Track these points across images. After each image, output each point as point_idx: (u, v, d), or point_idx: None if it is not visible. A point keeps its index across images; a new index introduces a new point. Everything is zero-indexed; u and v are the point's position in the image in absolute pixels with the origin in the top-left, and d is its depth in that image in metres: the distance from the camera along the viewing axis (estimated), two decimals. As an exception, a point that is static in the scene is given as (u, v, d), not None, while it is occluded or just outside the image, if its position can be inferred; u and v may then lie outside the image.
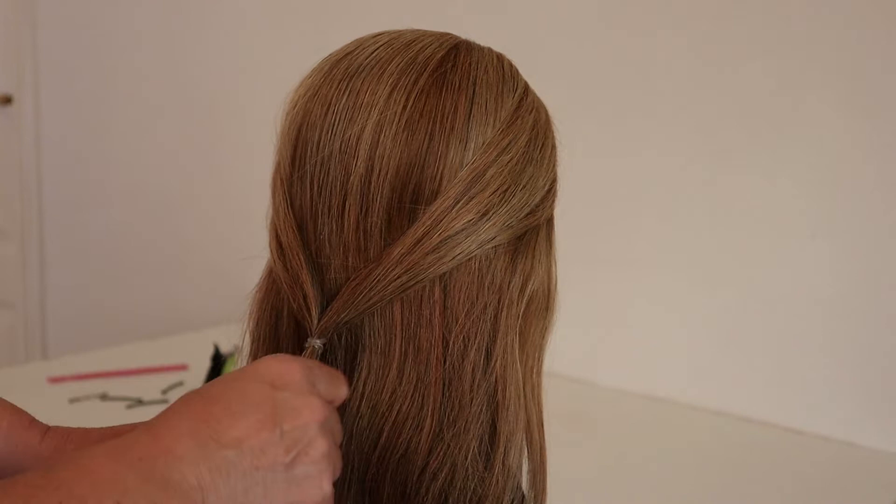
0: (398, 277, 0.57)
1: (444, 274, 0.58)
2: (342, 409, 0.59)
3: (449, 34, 0.63)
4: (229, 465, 0.47)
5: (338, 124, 0.59)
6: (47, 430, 0.61)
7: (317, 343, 0.58)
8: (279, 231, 0.61)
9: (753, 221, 1.64)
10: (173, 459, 0.45)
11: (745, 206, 1.65)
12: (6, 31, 2.77)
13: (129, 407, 1.62)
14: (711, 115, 1.67)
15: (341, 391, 0.55)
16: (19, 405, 0.64)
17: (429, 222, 0.57)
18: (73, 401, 1.62)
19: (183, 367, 1.81)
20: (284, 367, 0.51)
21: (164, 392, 1.68)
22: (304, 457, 0.49)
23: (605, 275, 1.79)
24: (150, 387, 1.70)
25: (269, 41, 2.28)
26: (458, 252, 0.58)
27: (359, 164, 0.58)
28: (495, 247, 0.59)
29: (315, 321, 0.59)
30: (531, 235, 0.62)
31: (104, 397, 1.64)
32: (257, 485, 0.47)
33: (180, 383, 1.72)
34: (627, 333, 1.79)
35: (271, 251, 0.62)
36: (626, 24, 1.75)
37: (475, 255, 0.59)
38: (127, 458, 0.45)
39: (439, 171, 0.58)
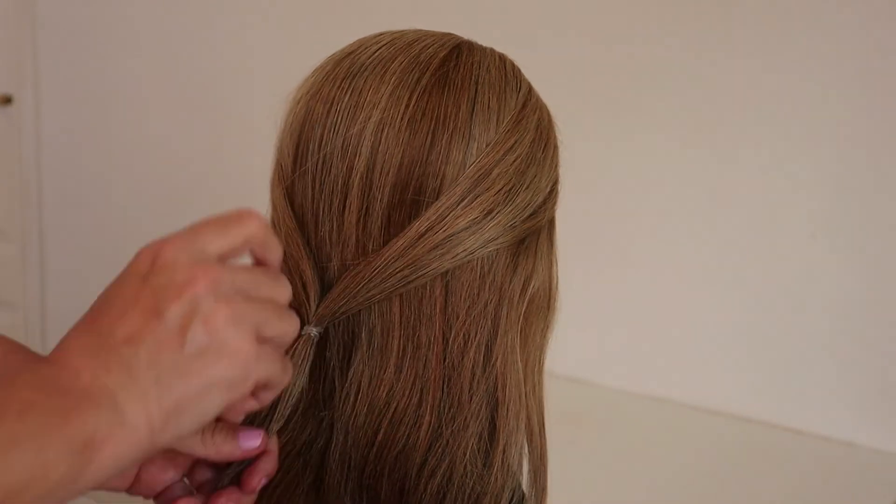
0: (399, 271, 0.57)
1: (447, 272, 0.58)
2: (335, 407, 0.59)
3: (451, 34, 0.64)
4: (129, 362, 0.46)
5: (340, 123, 0.59)
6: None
7: (313, 331, 0.58)
8: (277, 224, 0.61)
9: (754, 221, 1.64)
10: (72, 372, 0.45)
11: (746, 205, 1.65)
12: (6, 31, 2.76)
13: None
14: (712, 114, 1.67)
15: (243, 230, 0.50)
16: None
17: (433, 217, 0.57)
18: (73, 400, 1.62)
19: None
20: (155, 251, 0.48)
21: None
22: (204, 330, 0.47)
23: (606, 275, 1.79)
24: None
25: (271, 39, 2.28)
26: (461, 250, 0.58)
27: (360, 162, 0.58)
28: (497, 247, 0.59)
29: (313, 308, 0.59)
30: (533, 236, 0.62)
31: (104, 397, 1.64)
32: (167, 372, 0.46)
33: (180, 383, 1.72)
34: (628, 333, 1.79)
35: None
36: (625, 22, 1.75)
37: (477, 254, 0.59)
38: (19, 382, 0.44)
39: (441, 170, 0.58)
